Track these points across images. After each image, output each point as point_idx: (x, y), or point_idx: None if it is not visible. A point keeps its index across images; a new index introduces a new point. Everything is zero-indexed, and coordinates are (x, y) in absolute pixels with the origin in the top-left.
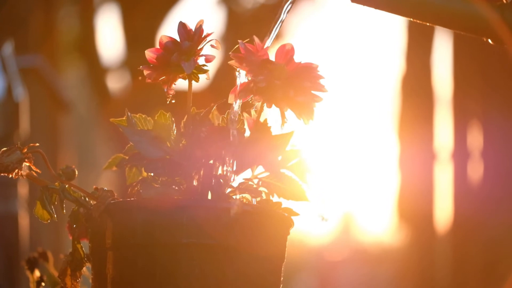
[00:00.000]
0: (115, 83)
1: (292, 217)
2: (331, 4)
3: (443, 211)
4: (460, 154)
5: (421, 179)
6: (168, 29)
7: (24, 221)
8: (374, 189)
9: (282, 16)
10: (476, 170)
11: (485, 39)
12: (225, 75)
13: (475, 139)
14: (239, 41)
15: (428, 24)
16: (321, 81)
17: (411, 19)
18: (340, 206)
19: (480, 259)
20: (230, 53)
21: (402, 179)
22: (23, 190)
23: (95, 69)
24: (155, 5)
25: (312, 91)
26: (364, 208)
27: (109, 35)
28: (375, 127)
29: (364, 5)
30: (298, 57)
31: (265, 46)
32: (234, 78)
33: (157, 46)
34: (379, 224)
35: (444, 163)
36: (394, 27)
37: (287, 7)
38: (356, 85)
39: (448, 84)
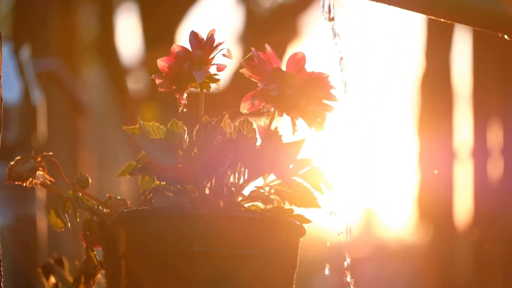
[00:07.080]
0: (134, 83)
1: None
2: (349, 2)
3: (463, 208)
4: (480, 151)
5: (441, 176)
6: (187, 29)
7: (42, 223)
8: (395, 186)
9: None
10: (496, 167)
11: (501, 35)
12: (243, 76)
13: (495, 136)
14: (252, 49)
15: (444, 20)
16: (332, 91)
17: (427, 16)
18: (360, 204)
19: (500, 256)
20: (242, 61)
21: (422, 176)
22: (41, 193)
23: (114, 70)
24: (174, 5)
25: (323, 100)
26: (385, 206)
27: (128, 35)
28: (395, 124)
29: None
30: (310, 66)
31: None
32: (250, 80)
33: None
34: (399, 221)
35: (464, 160)
36: (414, 25)
37: None
38: (375, 82)
39: (467, 81)
